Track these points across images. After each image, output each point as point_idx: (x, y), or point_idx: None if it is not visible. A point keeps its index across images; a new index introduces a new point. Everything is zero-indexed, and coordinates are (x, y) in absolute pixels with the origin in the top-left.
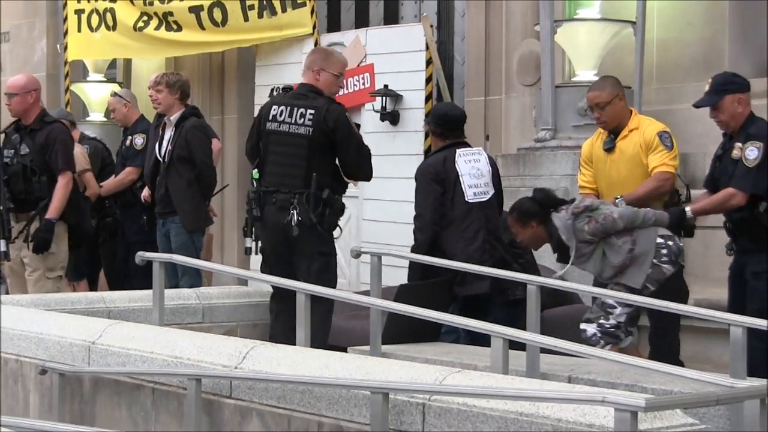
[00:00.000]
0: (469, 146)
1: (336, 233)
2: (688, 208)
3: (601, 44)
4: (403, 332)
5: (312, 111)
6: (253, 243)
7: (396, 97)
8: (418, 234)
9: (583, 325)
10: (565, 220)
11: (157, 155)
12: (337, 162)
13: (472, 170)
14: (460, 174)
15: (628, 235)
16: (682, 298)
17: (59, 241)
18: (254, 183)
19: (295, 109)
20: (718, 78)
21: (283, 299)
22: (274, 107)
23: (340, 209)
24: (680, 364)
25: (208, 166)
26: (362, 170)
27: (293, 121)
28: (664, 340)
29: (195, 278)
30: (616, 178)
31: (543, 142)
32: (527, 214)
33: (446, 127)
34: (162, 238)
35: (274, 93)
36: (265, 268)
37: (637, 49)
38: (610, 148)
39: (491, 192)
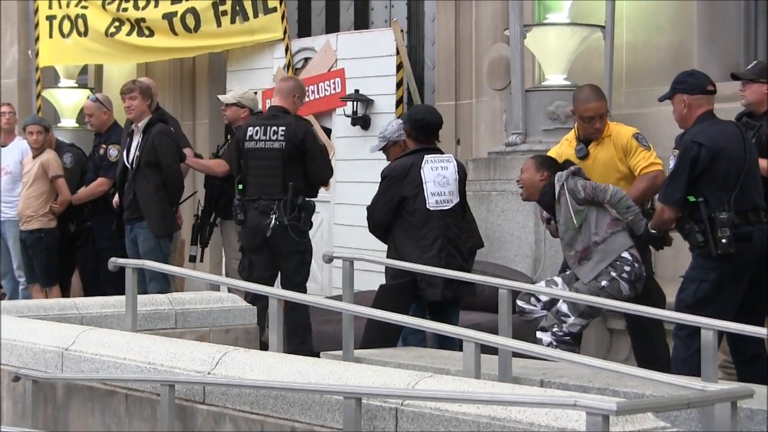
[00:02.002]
0: (440, 152)
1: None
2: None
3: (570, 48)
4: (382, 332)
5: (283, 128)
6: (199, 250)
7: (367, 102)
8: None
9: (539, 334)
10: (562, 179)
11: (125, 162)
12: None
13: (437, 178)
14: (424, 181)
15: (604, 229)
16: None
17: None
18: (237, 193)
19: (269, 127)
20: (677, 75)
21: (257, 297)
22: (250, 128)
23: (312, 210)
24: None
25: (174, 170)
26: (325, 173)
27: (267, 138)
28: (649, 345)
29: (163, 283)
30: None
31: (514, 146)
32: (547, 162)
33: (421, 131)
34: (130, 244)
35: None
36: (245, 266)
37: (606, 53)
38: (584, 156)
39: (455, 201)
